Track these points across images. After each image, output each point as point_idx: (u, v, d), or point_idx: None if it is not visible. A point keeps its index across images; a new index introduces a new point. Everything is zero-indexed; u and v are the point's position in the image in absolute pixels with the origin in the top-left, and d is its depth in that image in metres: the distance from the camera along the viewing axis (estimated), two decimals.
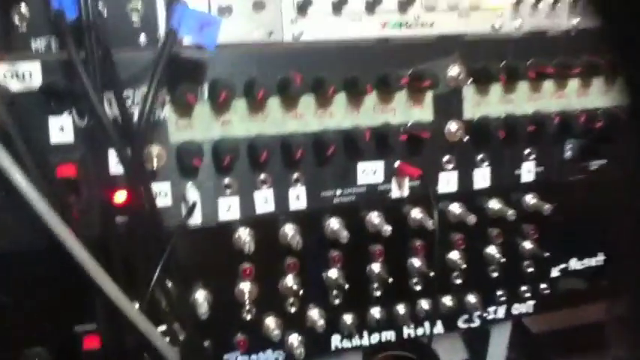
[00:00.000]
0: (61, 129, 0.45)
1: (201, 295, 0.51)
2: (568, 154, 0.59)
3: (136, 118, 0.44)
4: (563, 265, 0.65)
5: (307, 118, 0.51)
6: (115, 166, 0.44)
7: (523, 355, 0.85)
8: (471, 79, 0.53)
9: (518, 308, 0.65)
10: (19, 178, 0.38)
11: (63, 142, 0.44)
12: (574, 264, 0.65)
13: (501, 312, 0.64)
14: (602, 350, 0.82)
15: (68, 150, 0.45)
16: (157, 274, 0.43)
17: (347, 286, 0.54)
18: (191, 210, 0.46)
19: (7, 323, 0.47)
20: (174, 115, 0.47)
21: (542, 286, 0.65)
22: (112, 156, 0.44)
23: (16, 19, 0.43)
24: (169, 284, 0.47)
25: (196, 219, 0.49)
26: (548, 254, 0.61)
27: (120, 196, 0.45)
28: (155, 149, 0.46)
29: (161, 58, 0.40)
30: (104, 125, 0.39)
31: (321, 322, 0.55)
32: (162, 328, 0.47)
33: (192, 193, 0.48)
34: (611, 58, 0.53)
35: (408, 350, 0.81)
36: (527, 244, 0.61)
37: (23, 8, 0.43)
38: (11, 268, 0.46)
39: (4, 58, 0.42)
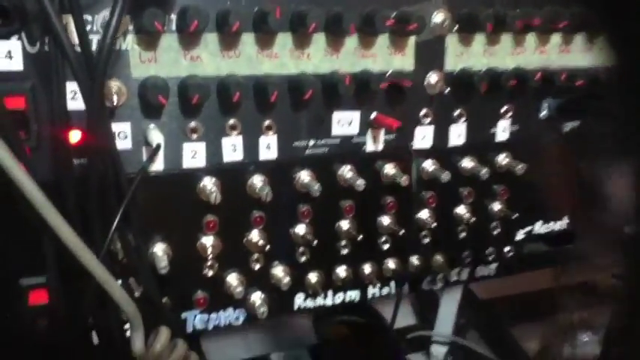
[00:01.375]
0: (9, 55, 0.39)
1: (160, 249, 0.47)
2: (544, 113, 0.57)
3: (95, 46, 0.39)
4: (528, 228, 0.64)
5: (284, 60, 0.47)
6: (70, 101, 0.40)
7: (472, 320, 0.86)
8: (457, 26, 0.50)
9: (481, 271, 0.64)
10: None
11: (10, 70, 0.39)
12: (539, 227, 0.65)
13: (464, 274, 0.63)
14: (548, 317, 0.84)
15: (16, 79, 0.39)
16: (115, 222, 0.38)
17: (315, 243, 0.51)
18: (154, 154, 0.42)
19: None
20: (138, 47, 0.42)
21: (507, 249, 0.64)
22: (69, 89, 0.39)
23: None
24: (127, 235, 0.43)
25: (158, 165, 0.45)
26: (517, 215, 0.60)
27: (76, 135, 0.40)
28: (115, 84, 0.41)
29: None
30: (67, 53, 0.34)
31: (286, 280, 0.51)
32: (118, 282, 0.42)
33: (156, 136, 0.44)
34: (596, 12, 0.52)
35: (356, 315, 0.80)
36: (497, 205, 0.60)
37: None
38: None
39: None
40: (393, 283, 0.59)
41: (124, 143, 0.43)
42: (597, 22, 0.52)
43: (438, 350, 0.82)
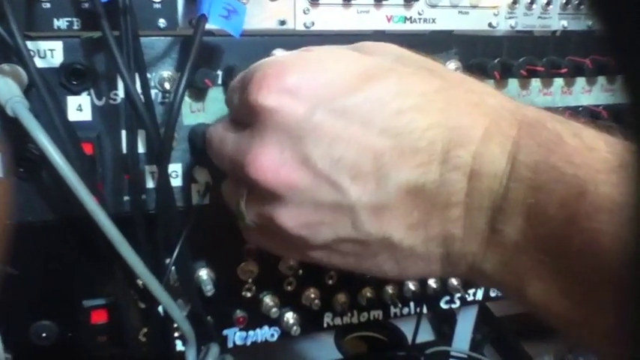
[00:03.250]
0: (79, 108, 0.46)
1: (205, 273, 0.53)
2: None
3: (159, 99, 0.46)
4: None
5: None
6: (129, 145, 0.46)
7: (488, 336, 0.90)
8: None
9: (495, 290, 0.69)
10: (46, 142, 0.39)
11: (80, 120, 0.46)
12: None
13: (480, 294, 0.68)
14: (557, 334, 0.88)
15: (85, 128, 0.46)
16: (175, 253, 0.45)
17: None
18: (205, 191, 0.48)
19: (16, 297, 0.48)
20: (189, 99, 0.48)
21: None
22: (135, 136, 0.45)
23: None
24: (180, 262, 0.49)
25: (205, 199, 0.51)
26: None
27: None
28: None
29: (194, 43, 0.41)
30: (136, 106, 0.40)
31: (316, 301, 0.57)
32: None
33: (203, 175, 0.50)
34: (594, 60, 0.57)
35: (377, 332, 0.86)
36: None
37: None
38: (22, 241, 0.46)
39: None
40: (412, 303, 0.64)
41: (175, 181, 0.50)
42: (593, 69, 0.57)
43: None
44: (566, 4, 0.58)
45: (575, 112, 0.60)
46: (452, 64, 0.55)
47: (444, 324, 0.90)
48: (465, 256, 0.36)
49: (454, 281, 0.65)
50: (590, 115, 0.60)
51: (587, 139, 0.33)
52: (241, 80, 0.40)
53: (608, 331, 0.30)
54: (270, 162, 0.36)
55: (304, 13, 0.50)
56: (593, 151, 0.32)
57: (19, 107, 0.38)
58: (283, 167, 0.35)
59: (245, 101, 0.37)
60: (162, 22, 0.46)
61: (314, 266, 0.57)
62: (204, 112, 0.49)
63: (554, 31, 0.61)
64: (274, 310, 0.56)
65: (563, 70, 0.57)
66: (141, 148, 0.46)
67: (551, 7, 0.58)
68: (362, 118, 0.35)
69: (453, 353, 0.86)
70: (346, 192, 0.35)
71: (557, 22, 0.59)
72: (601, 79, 0.61)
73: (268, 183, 0.36)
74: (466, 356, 0.86)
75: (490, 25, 0.57)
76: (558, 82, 0.60)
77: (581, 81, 0.61)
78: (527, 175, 0.32)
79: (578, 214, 0.31)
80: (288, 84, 0.36)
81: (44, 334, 0.49)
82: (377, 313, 0.63)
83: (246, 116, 0.38)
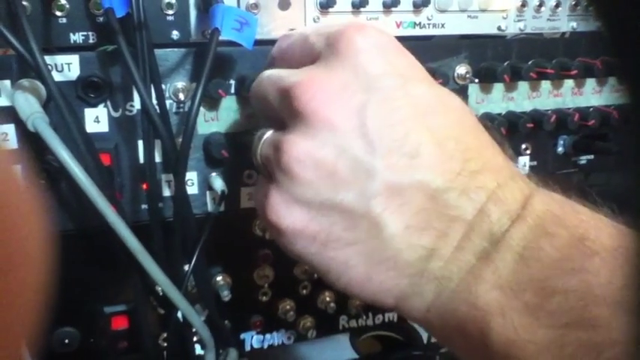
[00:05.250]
0: (97, 120, 0.47)
1: (222, 278, 0.54)
2: (560, 149, 0.63)
3: (174, 109, 0.47)
4: None
5: None
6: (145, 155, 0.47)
7: None
8: (477, 80, 0.56)
9: None
10: (65, 155, 0.40)
11: (98, 131, 0.47)
12: None
13: None
14: None
15: (103, 139, 0.47)
16: (193, 261, 0.46)
17: None
18: (221, 199, 0.49)
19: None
20: (203, 108, 0.49)
21: None
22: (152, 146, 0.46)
23: (57, 13, 0.44)
24: (198, 269, 0.50)
25: (220, 206, 0.52)
26: None
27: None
28: None
29: (208, 56, 0.42)
30: (152, 117, 0.41)
31: (332, 304, 0.58)
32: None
33: (218, 183, 0.51)
34: (604, 61, 0.58)
35: (392, 331, 0.86)
36: None
37: (63, 1, 0.44)
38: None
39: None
40: None
41: (191, 189, 0.51)
42: (603, 70, 0.57)
43: None
44: (575, 5, 0.59)
45: (585, 113, 0.60)
46: (462, 69, 0.55)
47: None
48: (439, 280, 0.36)
49: None
50: (600, 116, 0.60)
51: (590, 206, 0.35)
52: (325, 25, 0.41)
53: None
54: (327, 90, 0.35)
55: (314, 21, 0.51)
56: (597, 212, 0.35)
57: (40, 123, 0.39)
58: (336, 102, 0.35)
59: (334, 36, 0.37)
60: (175, 34, 0.47)
61: None
62: (218, 120, 0.50)
63: (564, 33, 0.61)
64: (290, 313, 0.57)
65: (573, 72, 0.57)
66: (157, 158, 0.47)
67: (560, 8, 0.58)
68: (427, 109, 0.36)
69: None
70: (377, 157, 0.35)
71: (567, 23, 0.59)
72: (612, 80, 0.61)
73: (310, 108, 0.35)
74: None
75: (499, 28, 0.57)
76: (568, 83, 0.61)
77: (591, 82, 0.61)
78: (534, 219, 0.34)
79: (573, 256, 0.32)
80: (385, 42, 0.38)
81: (67, 341, 0.50)
82: (392, 315, 0.64)
83: (322, 50, 0.38)
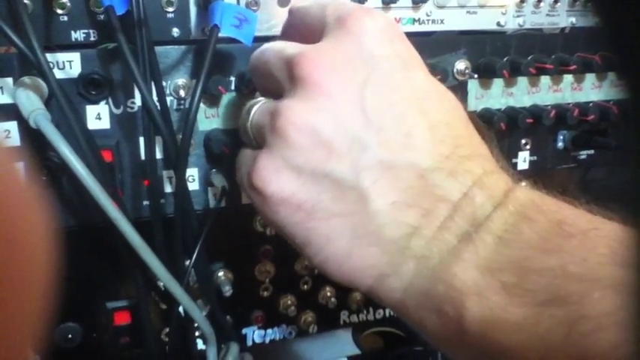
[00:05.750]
0: (98, 117, 0.47)
1: (223, 274, 0.54)
2: (560, 144, 0.63)
3: (175, 106, 0.48)
4: None
5: None
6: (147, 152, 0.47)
7: None
8: (476, 75, 0.56)
9: None
10: (67, 152, 0.40)
11: (99, 128, 0.47)
12: None
13: None
14: None
15: (104, 136, 0.47)
16: (194, 256, 0.46)
17: None
18: (222, 196, 0.49)
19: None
20: (204, 105, 0.49)
21: None
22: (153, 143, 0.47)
23: (58, 11, 0.45)
24: (199, 264, 0.50)
25: (221, 202, 0.52)
26: None
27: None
28: None
29: (208, 53, 0.42)
30: (153, 114, 0.42)
31: (332, 300, 0.59)
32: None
33: (219, 179, 0.51)
34: (603, 56, 0.58)
35: (395, 327, 0.86)
36: None
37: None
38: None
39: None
40: None
41: (192, 185, 0.51)
42: (602, 65, 0.57)
43: None
44: (574, 0, 0.59)
45: (585, 108, 0.60)
46: (461, 64, 0.56)
47: None
48: (418, 259, 0.36)
49: None
50: (600, 111, 0.60)
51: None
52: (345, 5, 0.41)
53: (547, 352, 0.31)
54: (332, 62, 0.36)
55: None
56: (580, 208, 0.36)
57: (42, 120, 0.39)
58: (339, 74, 0.36)
59: (343, 15, 0.38)
60: (175, 31, 0.48)
61: None
62: (219, 117, 0.50)
63: (563, 28, 0.61)
64: (291, 308, 0.57)
65: (572, 67, 0.57)
66: (158, 154, 0.48)
67: (559, 4, 0.59)
68: (424, 94, 0.38)
69: None
70: (372, 133, 0.36)
71: (566, 19, 0.60)
72: (611, 75, 0.62)
73: (314, 76, 0.36)
74: None
75: (498, 24, 0.57)
76: (568, 78, 0.61)
77: (590, 77, 0.61)
78: (516, 206, 0.35)
79: (551, 238, 0.33)
80: (391, 27, 0.39)
81: (70, 336, 0.50)
82: (392, 311, 0.64)
83: (330, 27, 0.39)
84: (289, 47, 0.39)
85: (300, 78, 0.36)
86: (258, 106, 0.41)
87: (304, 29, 0.42)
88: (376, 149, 0.36)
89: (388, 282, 0.37)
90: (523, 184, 0.39)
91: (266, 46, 0.42)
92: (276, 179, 0.36)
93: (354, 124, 0.36)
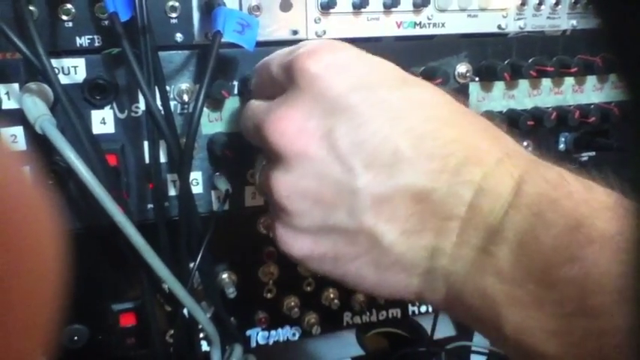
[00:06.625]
0: (103, 121, 0.48)
1: (227, 276, 0.55)
2: (562, 146, 0.63)
3: (178, 110, 0.48)
4: None
5: None
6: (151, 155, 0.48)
7: None
8: (477, 78, 0.57)
9: None
10: (72, 157, 0.41)
11: (104, 132, 0.48)
12: None
13: None
14: None
15: (109, 140, 0.48)
16: (198, 259, 0.47)
17: None
18: (225, 198, 0.50)
19: None
20: (207, 109, 0.50)
21: None
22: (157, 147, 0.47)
23: (63, 17, 0.45)
24: (203, 266, 0.51)
25: (225, 205, 0.53)
26: None
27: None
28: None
29: (211, 59, 0.43)
30: (157, 119, 0.42)
31: (335, 301, 0.59)
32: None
33: (222, 182, 0.51)
34: (604, 58, 0.58)
35: (399, 328, 0.87)
36: None
37: (69, 6, 0.45)
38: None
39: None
40: None
41: (196, 188, 0.51)
42: (603, 67, 0.58)
43: None
44: (575, 3, 0.59)
45: (586, 110, 0.60)
46: (462, 67, 0.56)
47: None
48: (447, 276, 0.36)
49: None
50: (601, 113, 0.60)
51: (585, 181, 0.35)
52: (286, 52, 0.41)
53: None
54: (293, 125, 0.37)
55: (315, 22, 0.52)
56: (592, 191, 0.34)
57: (47, 125, 0.40)
58: (304, 134, 0.37)
59: (289, 66, 0.38)
60: (179, 37, 0.48)
61: None
62: (222, 121, 0.51)
63: (564, 31, 0.62)
64: (295, 310, 0.58)
65: (573, 70, 0.57)
66: (163, 158, 0.49)
67: (559, 6, 0.59)
68: (394, 113, 0.36)
69: (474, 348, 0.87)
70: (356, 175, 0.36)
71: (567, 21, 0.60)
72: (612, 77, 0.62)
73: (282, 145, 0.37)
74: (487, 351, 0.87)
75: (499, 27, 0.58)
76: (569, 80, 0.61)
77: (592, 79, 0.62)
78: (528, 205, 0.34)
79: (571, 245, 0.32)
80: (339, 59, 0.38)
81: (76, 338, 0.51)
82: (395, 311, 0.65)
83: (283, 82, 0.40)
84: (258, 113, 0.40)
85: (272, 149, 0.38)
86: (261, 169, 0.43)
87: (268, 86, 0.43)
88: (366, 189, 0.36)
89: (427, 296, 0.38)
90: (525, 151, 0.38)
91: (245, 108, 0.44)
92: (295, 242, 0.39)
93: (336, 174, 0.36)
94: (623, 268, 0.29)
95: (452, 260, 0.36)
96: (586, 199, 0.33)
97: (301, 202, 0.37)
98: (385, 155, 0.36)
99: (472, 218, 0.35)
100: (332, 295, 0.59)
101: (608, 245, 0.31)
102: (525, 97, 0.60)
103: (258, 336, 0.59)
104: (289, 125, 0.37)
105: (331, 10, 0.52)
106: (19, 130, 0.45)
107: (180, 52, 0.49)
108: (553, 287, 0.32)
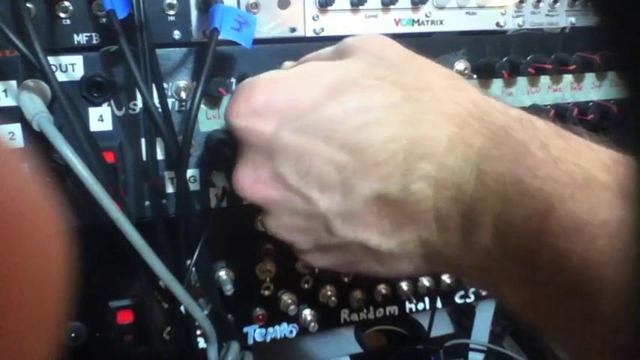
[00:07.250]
0: (101, 118, 0.48)
1: (225, 273, 0.55)
2: None
3: (176, 108, 0.48)
4: None
5: None
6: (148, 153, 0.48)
7: (507, 328, 0.91)
8: (475, 75, 0.57)
9: None
10: (70, 154, 0.41)
11: (102, 130, 0.48)
12: None
13: None
14: None
15: (107, 137, 0.48)
16: (195, 256, 0.47)
17: None
18: (223, 196, 0.50)
19: None
20: (205, 106, 0.50)
21: None
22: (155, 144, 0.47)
23: (61, 15, 0.45)
24: (200, 263, 0.51)
25: (222, 203, 0.53)
26: None
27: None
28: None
29: (208, 56, 0.42)
30: (154, 117, 0.42)
31: (333, 298, 0.59)
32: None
33: (220, 179, 0.51)
34: (603, 55, 0.58)
35: (397, 325, 0.87)
36: None
37: (67, 3, 0.45)
38: None
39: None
40: (427, 299, 0.66)
41: (194, 186, 0.51)
42: (602, 64, 0.57)
43: (475, 357, 0.87)
44: (574, 0, 0.59)
45: (585, 107, 0.60)
46: (460, 65, 0.56)
47: (463, 316, 0.91)
48: (444, 257, 0.37)
49: None
50: (600, 110, 0.60)
51: (554, 150, 0.32)
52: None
53: (582, 342, 0.31)
54: (246, 179, 0.40)
55: (313, 19, 0.52)
56: (559, 162, 0.32)
57: (44, 122, 0.40)
58: (257, 183, 0.40)
59: (226, 114, 0.41)
60: (177, 34, 0.48)
61: None
62: (220, 118, 0.51)
63: (563, 28, 0.62)
64: (292, 307, 0.58)
65: (572, 67, 0.57)
66: (160, 155, 0.49)
67: (558, 4, 0.59)
68: (324, 134, 0.37)
69: (472, 346, 0.87)
70: (316, 203, 0.38)
71: (565, 18, 0.60)
72: (611, 74, 0.62)
73: (250, 198, 0.41)
74: (485, 348, 0.87)
75: (498, 24, 0.58)
76: (568, 78, 0.61)
77: (590, 76, 0.61)
78: (494, 187, 0.33)
79: (546, 232, 0.31)
80: (255, 106, 0.39)
81: (74, 335, 0.51)
82: (392, 309, 0.65)
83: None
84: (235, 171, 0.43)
85: (249, 201, 0.42)
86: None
87: None
88: (328, 211, 0.38)
89: (438, 271, 0.44)
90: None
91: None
92: (316, 261, 0.43)
93: (299, 205, 0.39)
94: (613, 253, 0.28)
95: (442, 244, 0.36)
96: (552, 173, 0.31)
97: (291, 235, 0.41)
98: (332, 176, 0.37)
99: (441, 211, 0.35)
100: (329, 293, 0.59)
101: (582, 231, 0.30)
102: (524, 94, 0.60)
103: (256, 333, 0.59)
104: (245, 180, 0.41)
105: (329, 8, 0.52)
106: (16, 128, 0.45)
107: (177, 49, 0.48)
108: (535, 269, 0.32)
